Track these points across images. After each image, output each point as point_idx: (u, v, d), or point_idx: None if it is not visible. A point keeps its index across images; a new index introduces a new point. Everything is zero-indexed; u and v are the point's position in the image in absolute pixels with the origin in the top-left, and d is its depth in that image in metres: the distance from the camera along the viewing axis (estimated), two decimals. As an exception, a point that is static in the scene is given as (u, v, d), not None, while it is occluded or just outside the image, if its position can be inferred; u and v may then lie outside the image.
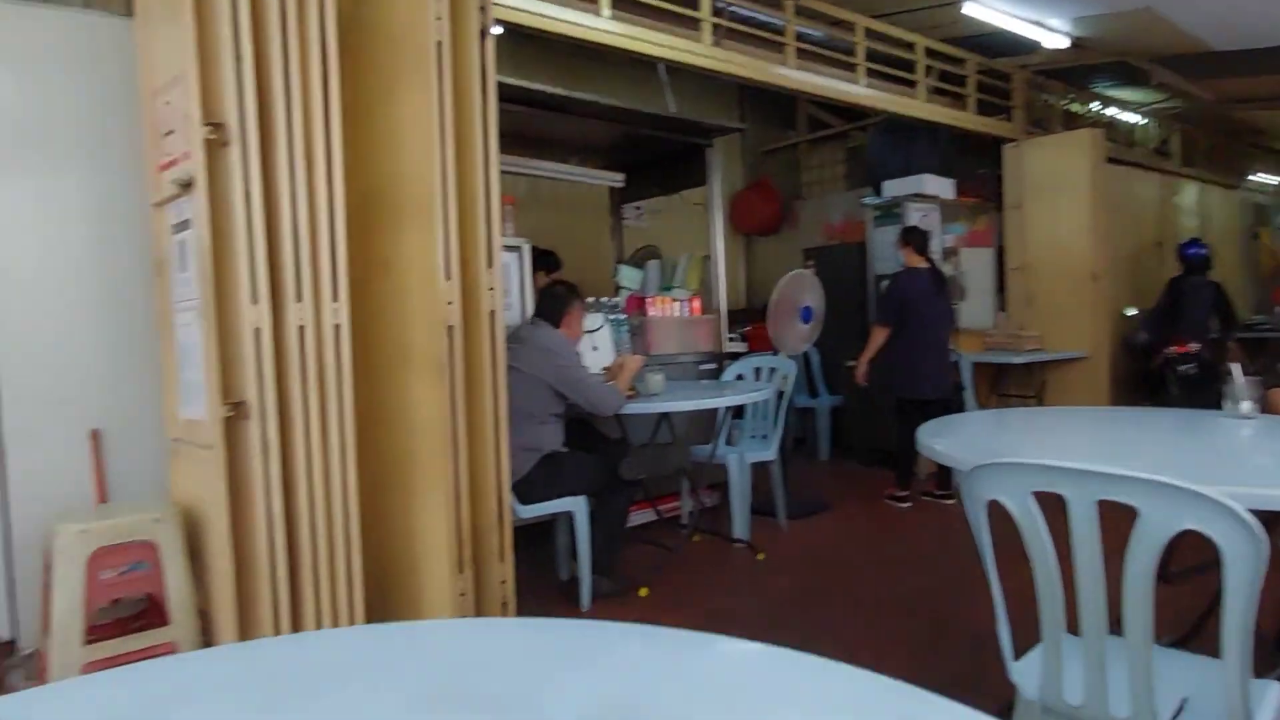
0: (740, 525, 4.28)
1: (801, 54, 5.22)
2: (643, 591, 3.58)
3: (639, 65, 4.76)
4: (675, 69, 4.85)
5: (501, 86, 2.85)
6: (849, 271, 6.46)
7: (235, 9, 2.35)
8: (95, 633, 2.40)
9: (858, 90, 5.63)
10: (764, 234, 7.80)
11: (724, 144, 5.33)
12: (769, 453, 4.43)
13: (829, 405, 6.61)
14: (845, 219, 7.08)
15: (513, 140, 4.23)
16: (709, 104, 6.83)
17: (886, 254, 6.00)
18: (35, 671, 2.64)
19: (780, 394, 4.43)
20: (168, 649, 2.44)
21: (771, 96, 6.41)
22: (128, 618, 2.60)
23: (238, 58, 2.37)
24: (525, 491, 3.27)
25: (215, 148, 2.41)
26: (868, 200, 6.46)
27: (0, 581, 2.75)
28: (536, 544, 3.79)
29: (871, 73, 5.69)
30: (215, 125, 2.39)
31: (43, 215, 2.89)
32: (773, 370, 4.62)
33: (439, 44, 2.64)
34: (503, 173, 2.85)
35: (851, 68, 5.58)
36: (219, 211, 2.41)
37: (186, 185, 2.46)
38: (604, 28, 4.24)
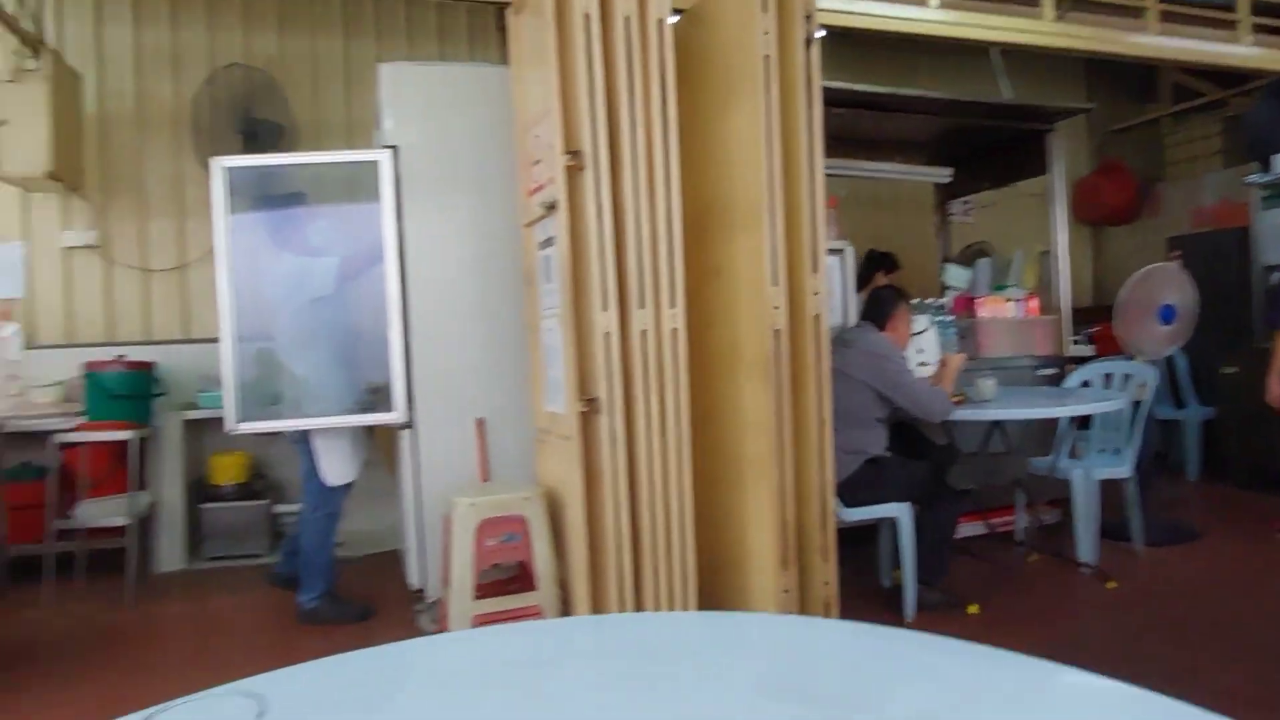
0: (1086, 548, 3.87)
1: (1166, 17, 4.59)
2: (972, 608, 3.40)
3: (968, 53, 4.52)
4: (1010, 52, 4.53)
5: (825, 91, 2.89)
6: (1226, 262, 5.53)
7: (590, 49, 2.66)
8: (481, 590, 2.85)
9: (1240, 51, 4.82)
10: (1115, 223, 6.95)
11: (1067, 127, 4.86)
12: (1122, 469, 3.95)
13: (1199, 418, 5.70)
14: (1222, 201, 6.08)
15: (834, 142, 4.24)
16: (1049, 85, 6.26)
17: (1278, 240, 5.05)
18: (438, 617, 3.19)
19: (1137, 404, 3.93)
20: (535, 612, 2.82)
21: (1123, 68, 5.72)
22: (504, 580, 3.04)
23: (591, 92, 2.67)
24: (849, 494, 3.27)
25: (574, 173, 2.74)
26: (1253, 179, 5.47)
27: (414, 540, 3.37)
28: (859, 548, 3.75)
29: (1259, 28, 4.83)
30: (574, 153, 2.71)
31: (437, 236, 3.48)
32: (1127, 377, 4.11)
33: (766, 58, 2.75)
34: (825, 175, 2.89)
35: (1231, 25, 4.78)
36: (577, 229, 2.74)
37: (551, 207, 2.82)
38: (934, 19, 4.10)
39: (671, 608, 2.70)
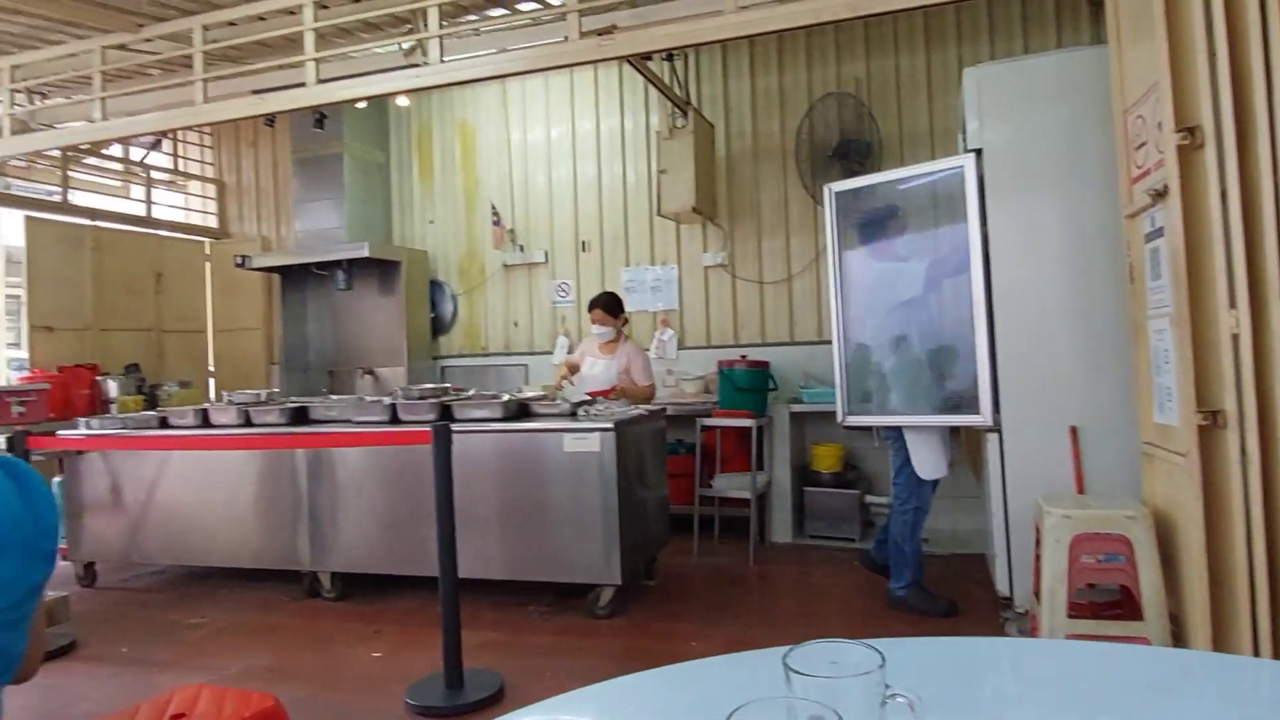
0: None
1: None
2: None
3: None
4: None
5: None
6: None
7: (1209, 10, 2.30)
8: (1075, 609, 2.70)
9: None
10: None
11: None
12: None
13: None
14: None
15: None
16: None
17: None
18: (1028, 629, 3.12)
19: None
20: (1142, 643, 2.57)
21: None
22: (1102, 604, 2.83)
23: (1212, 56, 2.31)
24: None
25: (1188, 153, 2.40)
26: None
27: (1001, 546, 3.35)
28: None
29: None
30: (1188, 130, 2.38)
31: (1024, 236, 3.37)
32: None
33: None
34: None
35: None
36: (1192, 216, 2.40)
37: (1159, 194, 2.53)
38: None
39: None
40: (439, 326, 6.79)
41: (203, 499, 4.38)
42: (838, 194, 3.91)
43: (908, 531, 3.71)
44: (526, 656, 3.36)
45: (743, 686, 0.70)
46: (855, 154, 5.46)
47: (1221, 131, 2.31)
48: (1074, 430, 3.22)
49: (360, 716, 2.91)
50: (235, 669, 3.36)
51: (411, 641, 3.59)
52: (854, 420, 3.84)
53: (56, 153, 6.40)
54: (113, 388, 5.99)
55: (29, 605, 1.10)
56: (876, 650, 0.75)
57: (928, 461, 3.64)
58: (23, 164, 6.58)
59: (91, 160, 6.94)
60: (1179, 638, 2.56)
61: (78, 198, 6.65)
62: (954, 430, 3.87)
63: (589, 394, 4.33)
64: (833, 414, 5.08)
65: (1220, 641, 2.35)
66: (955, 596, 3.76)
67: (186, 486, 4.42)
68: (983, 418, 3.36)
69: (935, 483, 3.71)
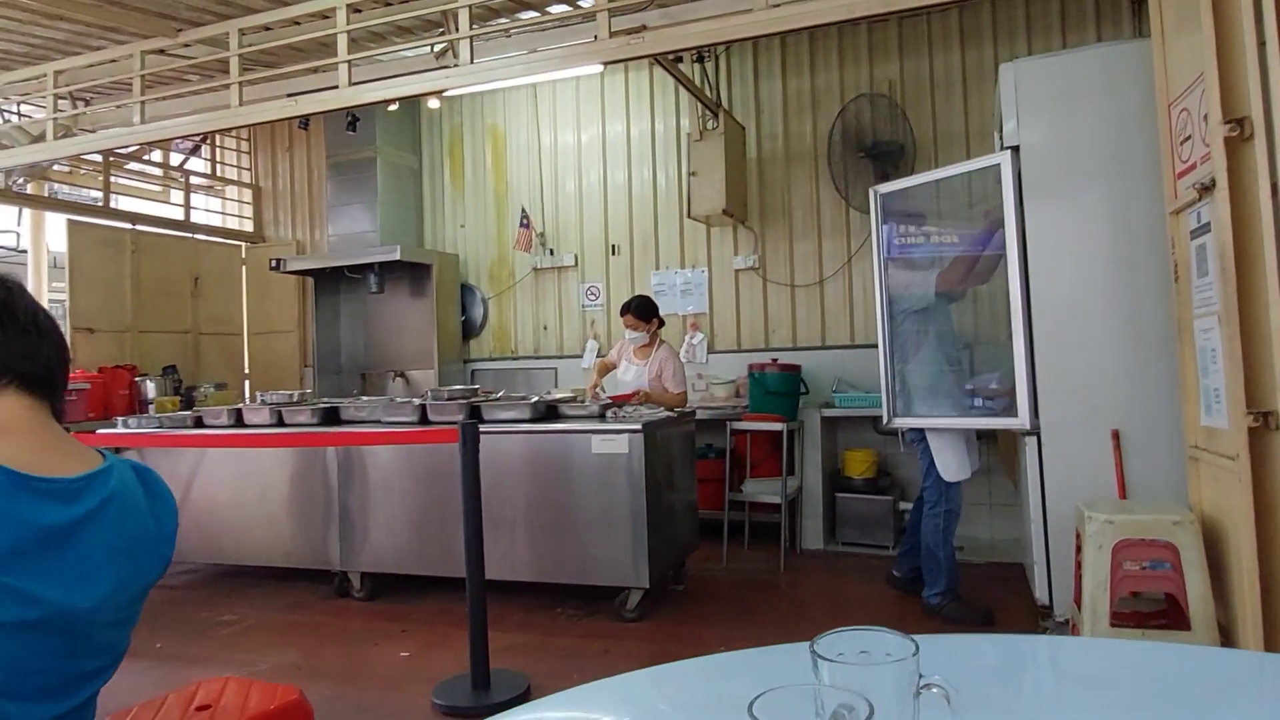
0: None
1: None
2: None
3: None
4: None
5: None
6: None
7: (1260, -3, 2.22)
8: (1117, 619, 2.61)
9: None
10: None
11: None
12: None
13: None
14: None
15: None
16: None
17: None
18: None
19: None
20: (1185, 651, 2.47)
21: None
22: (1147, 613, 2.73)
23: (1262, 45, 2.23)
24: None
25: (1236, 145, 2.33)
26: None
27: (1040, 554, 3.25)
28: None
29: None
30: (1236, 121, 2.30)
31: (1064, 235, 3.28)
32: None
33: None
34: None
35: None
36: (1240, 211, 2.32)
37: (1205, 188, 2.44)
38: None
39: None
40: (469, 330, 6.81)
41: (237, 499, 4.42)
42: (883, 195, 3.86)
43: (940, 536, 3.62)
44: (553, 659, 3.33)
45: (768, 678, 0.66)
46: (888, 156, 5.38)
47: (1272, 122, 2.23)
48: (1116, 434, 3.12)
49: (387, 714, 2.90)
50: (265, 665, 3.38)
51: (439, 642, 3.58)
52: (900, 423, 3.77)
53: (99, 158, 6.54)
54: (150, 388, 6.09)
55: (139, 606, 1.18)
56: (910, 639, 0.71)
57: (952, 463, 3.58)
58: (66, 169, 6.73)
59: (133, 165, 7.08)
60: (1228, 648, 2.46)
61: (119, 202, 6.78)
62: (984, 434, 3.79)
63: (611, 398, 4.28)
64: (866, 419, 5.02)
65: (1272, 651, 2.25)
66: (992, 605, 3.67)
67: (221, 486, 4.47)
68: (1020, 421, 3.28)
69: (962, 484, 3.64)
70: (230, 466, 4.46)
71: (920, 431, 3.70)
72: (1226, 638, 2.49)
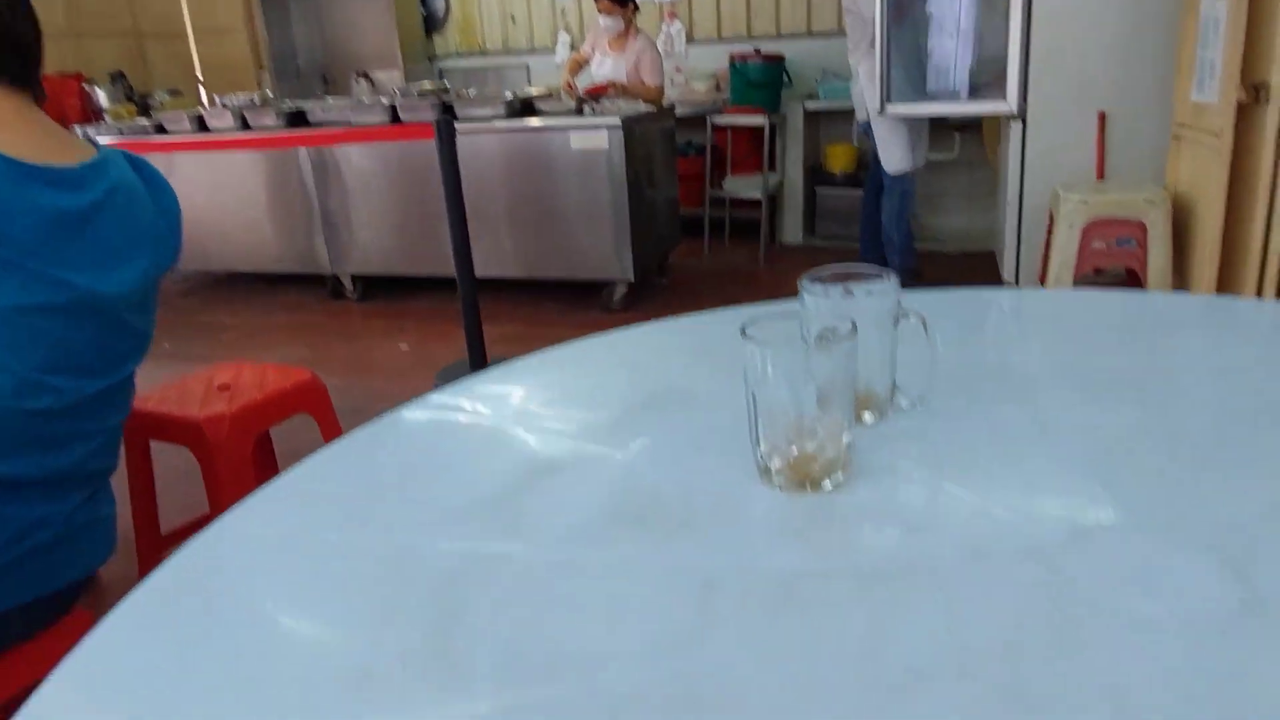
0: None
1: None
2: None
3: None
4: None
5: None
6: None
7: None
8: (1076, 291, 2.77)
9: None
10: None
11: None
12: None
13: None
14: None
15: None
16: None
17: None
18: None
19: None
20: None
21: None
22: (1106, 285, 2.89)
23: None
24: None
25: None
26: None
27: (1011, 238, 3.35)
28: None
29: None
30: None
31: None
32: None
33: None
34: None
35: None
36: None
37: None
38: None
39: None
40: (432, 24, 6.31)
41: (215, 205, 4.37)
42: None
43: (894, 218, 3.71)
44: (545, 347, 3.53)
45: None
46: None
47: None
48: (1102, 115, 3.07)
49: (396, 396, 3.13)
50: (273, 359, 3.57)
51: (435, 336, 3.77)
52: (894, 110, 3.64)
53: None
54: (102, 97, 5.73)
55: (155, 292, 1.24)
56: (890, 273, 0.77)
57: (896, 154, 3.58)
58: None
59: None
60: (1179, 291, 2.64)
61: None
62: (969, 122, 3.72)
63: (586, 91, 4.09)
64: (850, 112, 4.87)
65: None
66: (958, 286, 3.84)
67: (197, 192, 4.39)
68: (1008, 105, 3.21)
69: (913, 173, 3.67)
70: (203, 174, 4.35)
71: (868, 123, 3.64)
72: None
